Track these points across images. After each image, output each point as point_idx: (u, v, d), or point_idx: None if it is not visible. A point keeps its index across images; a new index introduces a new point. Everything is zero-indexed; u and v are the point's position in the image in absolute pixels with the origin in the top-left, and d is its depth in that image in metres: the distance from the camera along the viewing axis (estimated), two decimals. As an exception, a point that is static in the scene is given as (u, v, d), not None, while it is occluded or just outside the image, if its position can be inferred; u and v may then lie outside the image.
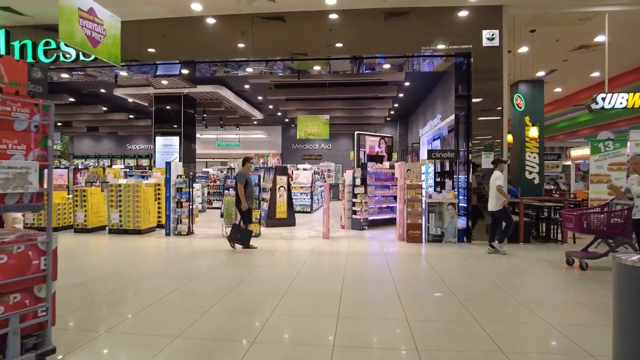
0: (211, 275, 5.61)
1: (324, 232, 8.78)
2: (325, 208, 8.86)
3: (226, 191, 10.08)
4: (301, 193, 14.92)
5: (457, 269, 6.10)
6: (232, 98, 16.35)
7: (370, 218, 10.47)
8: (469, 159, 8.72)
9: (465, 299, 4.49)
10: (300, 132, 11.92)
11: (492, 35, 8.26)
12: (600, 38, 9.81)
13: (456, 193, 8.47)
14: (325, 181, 8.88)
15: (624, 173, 8.15)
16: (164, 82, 12.61)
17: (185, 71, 10.37)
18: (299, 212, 14.62)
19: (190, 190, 9.11)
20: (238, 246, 7.42)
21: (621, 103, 8.24)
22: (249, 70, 10.23)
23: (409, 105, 19.17)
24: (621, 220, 5.90)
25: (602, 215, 6.06)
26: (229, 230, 7.54)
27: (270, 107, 19.05)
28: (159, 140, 14.52)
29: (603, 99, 8.28)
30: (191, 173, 10.17)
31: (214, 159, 27.05)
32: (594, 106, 8.35)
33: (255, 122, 24.21)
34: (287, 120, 22.37)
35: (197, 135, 25.98)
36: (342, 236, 9.24)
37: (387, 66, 9.62)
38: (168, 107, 14.92)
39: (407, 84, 14.70)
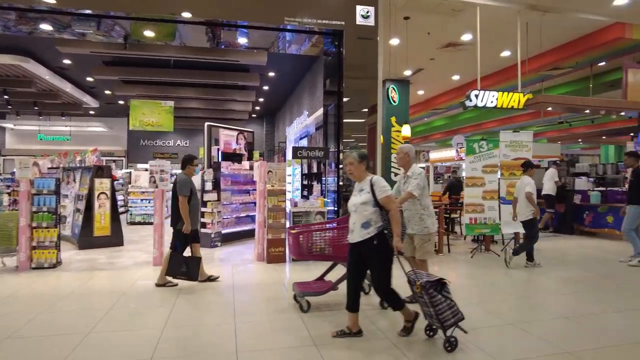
0: None
1: (156, 257, 6.43)
2: (158, 224, 6.50)
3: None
4: (142, 199, 12.02)
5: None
6: (47, 76, 12.52)
7: (224, 231, 8.39)
8: (340, 159, 7.34)
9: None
10: (134, 121, 9.19)
11: (367, 12, 6.98)
12: (467, 36, 9.48)
13: (325, 199, 6.96)
14: (156, 186, 6.41)
15: (497, 175, 7.66)
16: None
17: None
18: (140, 223, 11.73)
19: None
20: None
21: (492, 102, 7.78)
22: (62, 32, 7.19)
23: (275, 100, 17.58)
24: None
25: (329, 233, 4.43)
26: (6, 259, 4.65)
27: (107, 92, 15.45)
28: None
29: (476, 96, 7.71)
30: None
31: (34, 155, 21.61)
32: (468, 103, 7.73)
33: (91, 112, 19.90)
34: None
35: (7, 125, 20.40)
36: (184, 259, 6.99)
37: (243, 40, 7.67)
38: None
39: (271, 74, 13.00)
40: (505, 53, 10.59)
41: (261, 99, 17.05)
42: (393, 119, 12.79)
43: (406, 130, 10.04)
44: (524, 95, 7.97)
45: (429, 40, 9.79)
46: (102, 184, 8.10)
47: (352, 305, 3.50)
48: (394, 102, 8.91)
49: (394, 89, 8.95)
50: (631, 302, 4.66)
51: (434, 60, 11.42)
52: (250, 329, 3.82)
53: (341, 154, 7.21)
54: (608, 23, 8.78)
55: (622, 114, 9.81)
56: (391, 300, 3.50)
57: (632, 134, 11.18)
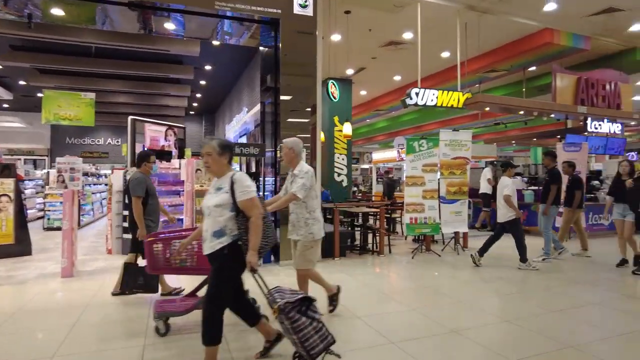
0: None
1: (65, 268, 5.60)
2: (68, 229, 5.67)
3: None
4: (61, 202, 10.77)
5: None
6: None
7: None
8: (277, 158, 6.87)
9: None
10: (48, 113, 8.04)
11: (306, 1, 6.58)
12: (408, 35, 9.41)
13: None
14: (65, 186, 5.58)
15: (436, 174, 7.57)
16: None
17: None
18: (59, 229, 10.46)
19: None
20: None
21: (432, 100, 7.70)
22: None
23: (215, 97, 16.75)
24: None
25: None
26: None
27: (22, 83, 13.85)
28: None
29: (417, 94, 7.59)
30: None
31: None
32: (408, 101, 7.59)
33: (5, 106, 17.88)
34: (54, 104, 17.02)
35: None
36: (99, 269, 6.18)
37: (171, 26, 6.98)
38: None
39: (208, 67, 12.26)
40: (445, 54, 10.69)
41: (199, 95, 16.16)
42: (336, 118, 12.53)
43: (347, 129, 9.80)
44: (463, 95, 7.98)
45: (370, 37, 9.62)
46: (4, 185, 7.04)
47: (250, 318, 3.08)
48: (334, 98, 8.60)
49: (334, 84, 8.63)
50: (570, 300, 4.63)
51: (376, 59, 11.31)
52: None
53: (278, 153, 6.74)
54: (539, 28, 9.07)
55: (552, 116, 10.25)
56: (211, 320, 2.73)
57: (559, 136, 11.70)
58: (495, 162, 11.49)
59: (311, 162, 6.82)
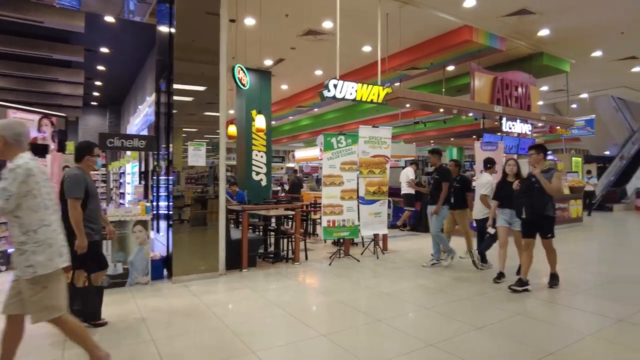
0: None
1: None
2: None
3: None
4: None
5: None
6: None
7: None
8: (169, 154, 5.80)
9: None
10: None
11: (206, -30, 5.61)
12: (328, 24, 8.79)
13: (148, 204, 5.36)
14: None
15: (355, 174, 7.01)
16: None
17: None
18: None
19: None
20: None
21: (351, 94, 7.12)
22: None
23: (119, 86, 14.91)
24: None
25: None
26: None
27: None
28: None
29: (335, 86, 6.96)
30: None
31: None
32: (325, 93, 6.93)
33: None
34: None
35: None
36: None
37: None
38: None
39: (104, 49, 10.67)
40: (367, 48, 10.26)
41: (98, 83, 14.25)
42: (254, 112, 11.60)
43: (260, 122, 8.94)
44: (383, 89, 7.52)
45: (288, 24, 8.84)
46: None
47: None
48: (244, 85, 7.63)
49: (242, 69, 7.63)
50: (499, 315, 4.22)
51: (296, 50, 10.58)
52: None
53: (171, 148, 5.68)
54: (459, 25, 8.95)
55: (471, 114, 10.31)
56: None
57: (475, 136, 11.86)
58: (415, 161, 11.37)
59: (212, 159, 5.87)
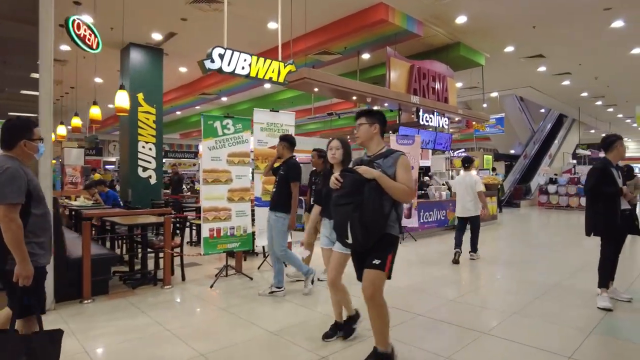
0: None
1: None
2: None
3: None
4: None
5: None
6: None
7: None
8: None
9: None
10: None
11: None
12: (220, -13, 7.24)
13: None
14: None
15: (248, 168, 5.58)
16: None
17: None
18: None
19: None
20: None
21: (243, 68, 5.66)
22: None
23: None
24: None
25: None
26: None
27: None
28: None
29: (221, 57, 5.45)
30: None
31: None
32: (208, 64, 5.39)
33: None
34: None
35: None
36: None
37: None
38: None
39: None
40: (272, 25, 8.86)
41: None
42: (140, 96, 9.70)
43: (121, 99, 7.09)
44: (285, 66, 6.17)
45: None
46: None
47: None
48: (91, 47, 5.55)
49: (86, 24, 5.52)
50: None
51: (189, 23, 8.85)
52: None
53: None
54: (373, 2, 7.93)
55: (386, 105, 9.40)
56: None
57: (391, 131, 11.05)
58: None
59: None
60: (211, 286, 4.98)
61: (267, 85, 14.14)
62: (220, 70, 5.44)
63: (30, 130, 2.57)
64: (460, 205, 6.48)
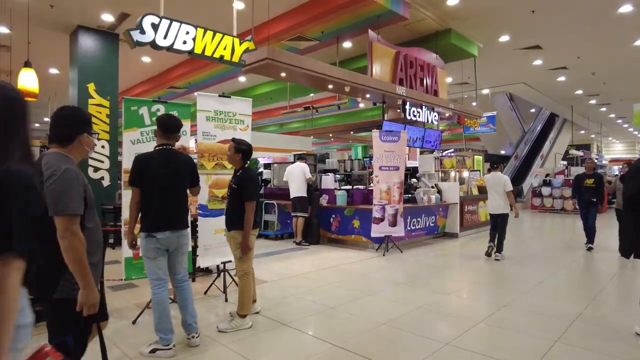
0: None
1: None
2: None
3: None
4: None
5: None
6: None
7: None
8: None
9: None
10: None
11: None
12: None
13: None
14: None
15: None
16: None
17: None
18: None
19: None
20: None
21: (185, 42, 4.52)
22: None
23: None
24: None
25: None
26: None
27: None
28: None
29: (155, 26, 4.29)
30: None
31: None
32: (136, 35, 4.23)
33: None
34: None
35: None
36: None
37: None
38: None
39: None
40: (238, 4, 7.71)
41: None
42: (91, 86, 8.55)
43: (27, 79, 5.85)
44: (241, 44, 5.03)
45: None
46: None
47: None
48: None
49: None
50: None
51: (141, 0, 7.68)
52: None
53: None
54: (353, -22, 6.85)
55: (368, 96, 8.31)
56: None
57: (375, 129, 9.98)
58: (304, 155, 9.10)
59: None
60: (134, 321, 3.82)
61: (242, 78, 12.98)
62: (153, 44, 4.30)
63: (90, 122, 2.16)
64: (491, 204, 6.90)
